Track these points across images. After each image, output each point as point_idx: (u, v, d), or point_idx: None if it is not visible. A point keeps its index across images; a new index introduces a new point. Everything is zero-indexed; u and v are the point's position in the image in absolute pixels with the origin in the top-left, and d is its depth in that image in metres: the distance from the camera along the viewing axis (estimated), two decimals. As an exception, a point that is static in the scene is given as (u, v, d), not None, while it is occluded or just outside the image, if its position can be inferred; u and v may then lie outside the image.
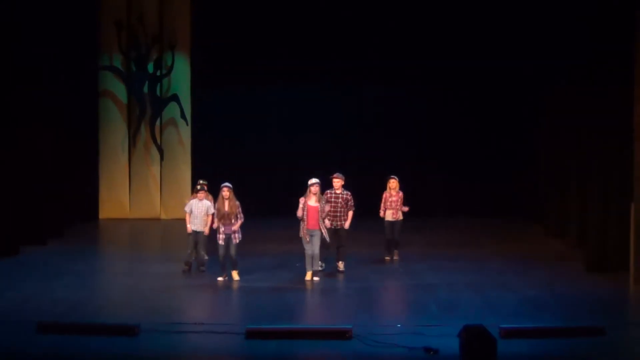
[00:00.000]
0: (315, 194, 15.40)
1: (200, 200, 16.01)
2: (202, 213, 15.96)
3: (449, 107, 23.75)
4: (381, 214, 17.38)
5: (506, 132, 23.35)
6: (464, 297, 14.31)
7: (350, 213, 16.16)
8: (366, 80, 23.62)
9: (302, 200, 15.44)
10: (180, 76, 23.63)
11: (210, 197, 16.19)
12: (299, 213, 15.38)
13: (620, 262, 15.66)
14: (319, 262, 15.91)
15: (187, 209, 16.11)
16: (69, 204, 21.22)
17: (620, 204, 15.68)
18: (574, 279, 15.67)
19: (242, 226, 15.51)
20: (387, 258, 17.49)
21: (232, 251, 15.41)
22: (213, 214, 15.70)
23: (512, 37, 22.04)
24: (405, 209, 17.35)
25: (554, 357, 11.27)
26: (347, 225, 16.14)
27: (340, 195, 16.07)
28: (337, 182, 16.07)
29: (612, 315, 13.14)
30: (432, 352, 11.15)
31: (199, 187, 16.13)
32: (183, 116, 23.55)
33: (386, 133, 23.70)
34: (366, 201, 18.03)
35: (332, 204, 15.99)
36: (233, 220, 15.40)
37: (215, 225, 15.54)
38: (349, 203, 16.14)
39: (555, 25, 19.45)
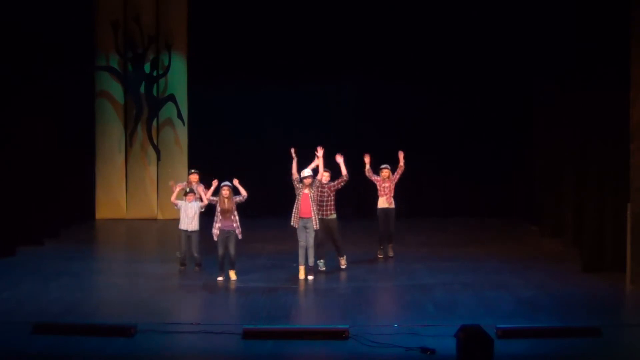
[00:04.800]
0: (308, 185, 15.58)
1: (190, 201, 16.10)
2: (193, 213, 16.06)
3: (446, 107, 23.65)
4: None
5: (503, 132, 23.30)
6: (461, 297, 14.31)
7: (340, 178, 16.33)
8: (365, 80, 23.56)
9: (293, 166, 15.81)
10: (177, 76, 23.61)
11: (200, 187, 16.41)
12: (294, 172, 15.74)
13: (617, 262, 15.66)
14: (320, 263, 15.94)
15: (176, 202, 16.20)
16: (65, 205, 21.20)
17: (617, 204, 15.68)
18: (570, 279, 15.67)
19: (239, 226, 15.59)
20: (381, 256, 17.41)
21: (232, 249, 15.43)
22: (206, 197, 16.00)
23: (510, 38, 22.01)
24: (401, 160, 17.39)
25: (550, 357, 11.28)
26: (343, 169, 16.35)
27: (326, 185, 16.21)
28: (326, 175, 16.21)
29: (608, 316, 13.16)
30: (429, 352, 11.16)
31: (188, 190, 16.28)
32: (180, 116, 23.51)
33: (383, 133, 23.63)
34: (364, 201, 18.02)
35: (319, 194, 16.05)
36: (232, 217, 15.46)
37: (208, 196, 15.71)
38: (335, 182, 16.30)
39: (554, 26, 19.43)
